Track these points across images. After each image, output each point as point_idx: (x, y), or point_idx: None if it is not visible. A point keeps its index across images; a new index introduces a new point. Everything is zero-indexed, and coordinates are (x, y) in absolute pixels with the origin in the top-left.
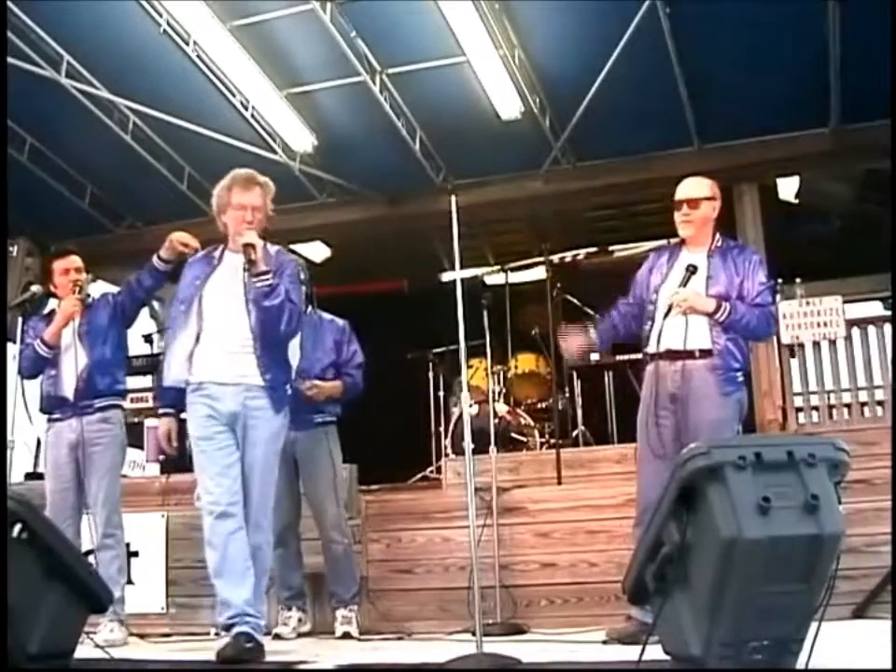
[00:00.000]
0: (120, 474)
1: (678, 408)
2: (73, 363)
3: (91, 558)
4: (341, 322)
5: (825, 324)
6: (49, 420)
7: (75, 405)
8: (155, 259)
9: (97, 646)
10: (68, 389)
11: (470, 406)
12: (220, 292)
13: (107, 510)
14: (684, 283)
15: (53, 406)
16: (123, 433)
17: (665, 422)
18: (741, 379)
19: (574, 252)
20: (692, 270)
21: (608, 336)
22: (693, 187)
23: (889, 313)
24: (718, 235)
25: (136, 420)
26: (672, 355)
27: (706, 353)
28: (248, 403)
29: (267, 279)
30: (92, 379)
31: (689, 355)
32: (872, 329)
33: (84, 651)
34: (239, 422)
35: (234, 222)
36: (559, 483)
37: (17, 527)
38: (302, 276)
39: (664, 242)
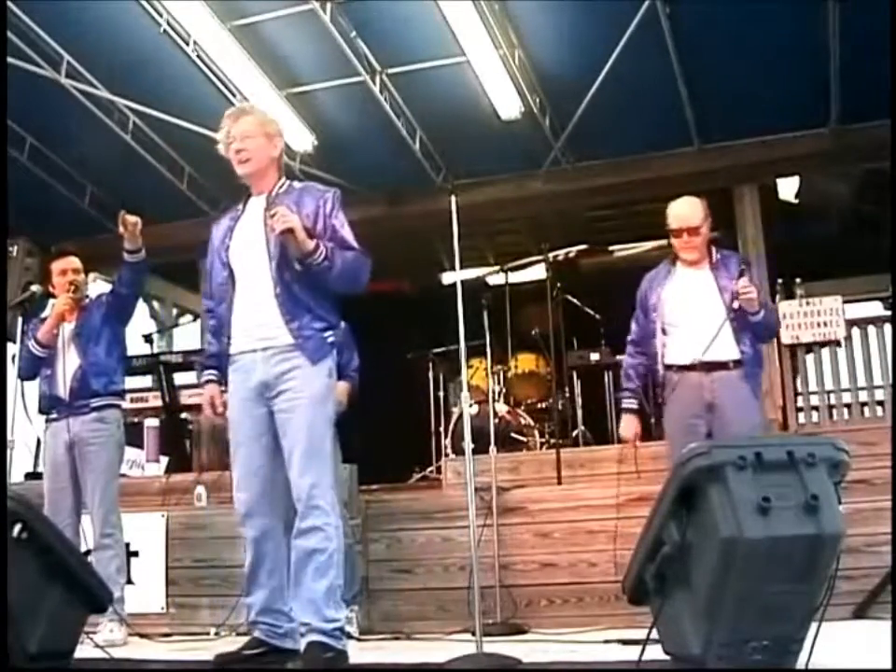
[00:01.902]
0: (118, 474)
1: (714, 416)
2: (67, 364)
3: (89, 558)
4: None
5: (825, 324)
6: (47, 420)
7: (70, 405)
8: (123, 252)
9: (97, 646)
10: (63, 389)
11: (470, 406)
12: (243, 244)
13: (105, 509)
14: (739, 277)
15: (49, 406)
16: (120, 433)
17: (700, 430)
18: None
19: (567, 250)
20: (747, 265)
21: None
22: (690, 212)
23: (889, 313)
24: (713, 249)
25: (136, 420)
26: (706, 366)
27: (738, 363)
28: (277, 368)
29: (320, 256)
30: (86, 380)
31: (723, 366)
32: (872, 329)
33: (84, 650)
34: (270, 391)
35: (234, 159)
36: (559, 483)
37: (17, 527)
38: None
39: (663, 241)
